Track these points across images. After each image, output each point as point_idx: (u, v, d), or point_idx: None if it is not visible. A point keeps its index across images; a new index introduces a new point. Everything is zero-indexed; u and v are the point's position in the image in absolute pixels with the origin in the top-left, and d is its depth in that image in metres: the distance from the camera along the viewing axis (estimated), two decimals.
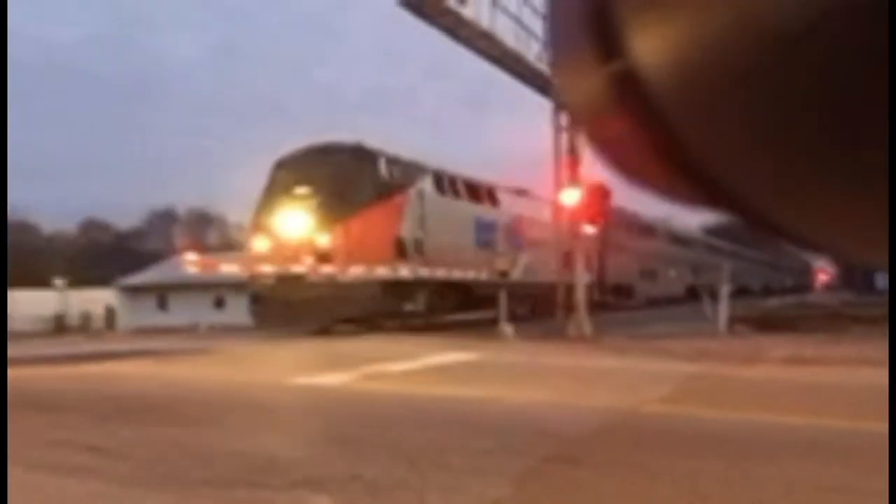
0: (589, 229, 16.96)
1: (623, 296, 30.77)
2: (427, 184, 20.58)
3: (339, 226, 17.41)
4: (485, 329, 17.28)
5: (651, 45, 0.54)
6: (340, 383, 8.62)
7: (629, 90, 0.56)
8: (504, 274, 20.07)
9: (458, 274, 20.83)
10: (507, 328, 15.88)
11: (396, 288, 18.29)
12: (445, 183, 21.68)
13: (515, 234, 24.31)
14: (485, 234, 22.64)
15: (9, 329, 24.62)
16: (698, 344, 12.33)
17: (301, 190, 18.35)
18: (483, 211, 23.03)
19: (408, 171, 19.99)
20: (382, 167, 19.10)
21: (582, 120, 0.65)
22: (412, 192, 19.75)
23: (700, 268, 39.92)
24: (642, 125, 0.57)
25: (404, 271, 18.53)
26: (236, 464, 4.74)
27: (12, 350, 15.34)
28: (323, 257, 17.13)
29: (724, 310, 15.40)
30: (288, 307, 16.99)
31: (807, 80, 0.47)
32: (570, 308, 16.37)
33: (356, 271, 17.23)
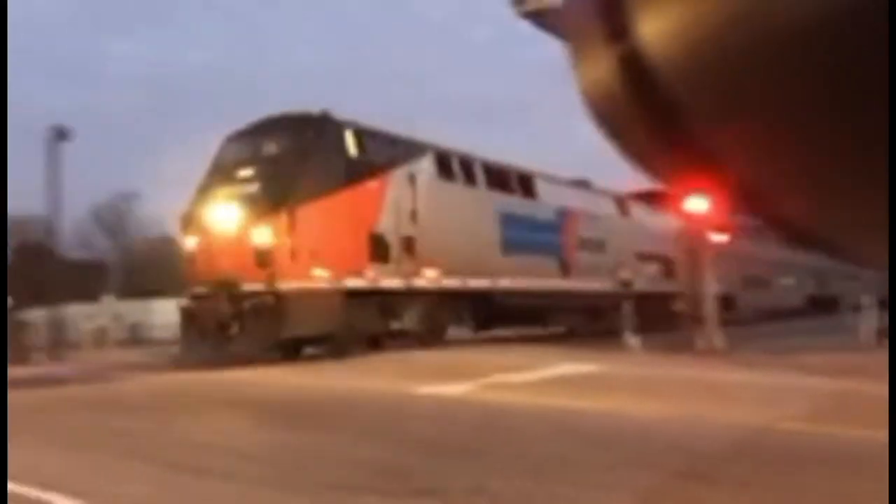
0: (719, 238, 16.33)
1: (721, 308, 26.51)
2: (424, 165, 16.09)
3: (285, 217, 13.03)
4: (607, 340, 16.87)
5: (657, 28, 0.54)
6: (463, 393, 8.67)
7: (635, 71, 0.57)
8: (627, 284, 18.85)
9: (483, 283, 16.68)
10: (632, 339, 15.50)
11: (373, 300, 14.34)
12: (454, 165, 17.03)
13: (563, 233, 19.96)
14: (515, 231, 17.97)
15: (149, 337, 26.25)
16: (839, 358, 11.61)
17: (243, 172, 14.13)
18: (513, 203, 18.28)
19: (392, 149, 15.58)
20: (349, 141, 14.56)
21: (590, 102, 0.65)
22: (398, 174, 15.32)
23: (826, 275, 35.00)
24: (646, 106, 0.57)
25: (384, 279, 14.49)
26: (364, 470, 4.86)
27: (155, 357, 16.29)
28: (262, 259, 12.82)
29: (868, 321, 14.45)
30: (220, 325, 12.83)
31: (813, 72, 0.47)
32: (697, 320, 15.79)
33: (312, 280, 13.15)
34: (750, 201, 0.59)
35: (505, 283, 17.24)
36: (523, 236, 18.14)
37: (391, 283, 14.57)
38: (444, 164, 16.74)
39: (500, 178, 18.29)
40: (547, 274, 18.89)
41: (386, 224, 14.80)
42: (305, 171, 13.82)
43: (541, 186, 19.47)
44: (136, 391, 9.54)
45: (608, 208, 22.22)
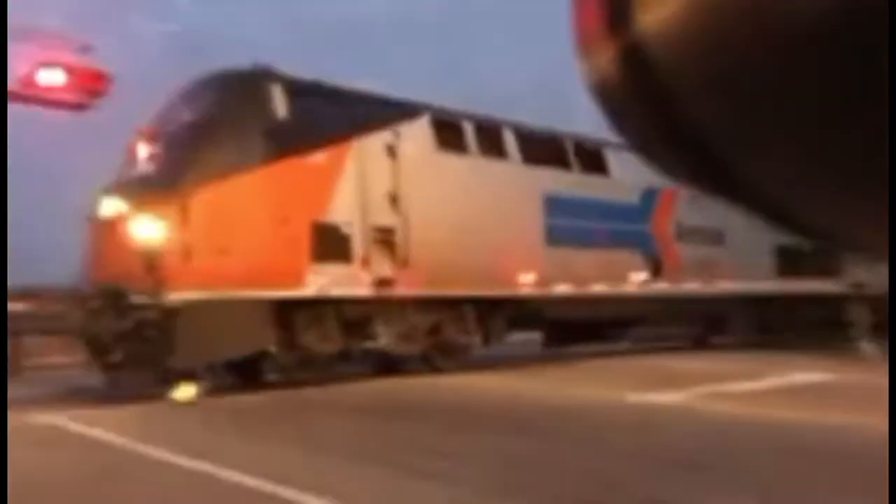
0: None
1: None
2: (414, 132, 11.98)
3: (177, 204, 9.69)
4: (837, 346, 15.44)
5: (656, 18, 0.54)
6: (677, 403, 8.36)
7: (634, 61, 0.56)
8: (860, 286, 16.88)
9: (510, 288, 12.54)
10: (870, 346, 14.12)
11: (328, 311, 10.78)
12: (467, 133, 12.74)
13: (652, 221, 15.41)
14: (568, 218, 13.58)
15: None
16: None
17: (146, 151, 10.94)
18: (567, 182, 13.92)
19: (355, 110, 11.49)
20: (279, 101, 10.72)
21: (595, 91, 0.64)
22: (366, 144, 11.32)
23: None
24: (645, 96, 0.57)
25: (340, 285, 10.68)
26: (579, 479, 4.82)
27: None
28: (147, 261, 9.48)
29: None
30: (103, 349, 9.67)
31: (814, 67, 0.46)
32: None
33: (219, 288, 9.56)
34: (746, 193, 0.58)
35: (549, 286, 13.09)
36: (582, 225, 13.86)
37: (353, 289, 10.89)
38: (449, 130, 12.48)
39: (548, 150, 13.91)
40: (623, 274, 14.50)
41: (343, 211, 10.94)
42: (209, 143, 10.36)
43: (615, 161, 14.54)
44: (356, 394, 10.09)
45: None
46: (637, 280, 14.72)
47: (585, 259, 13.65)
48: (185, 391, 10.05)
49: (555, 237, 13.37)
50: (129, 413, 8.25)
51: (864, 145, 0.47)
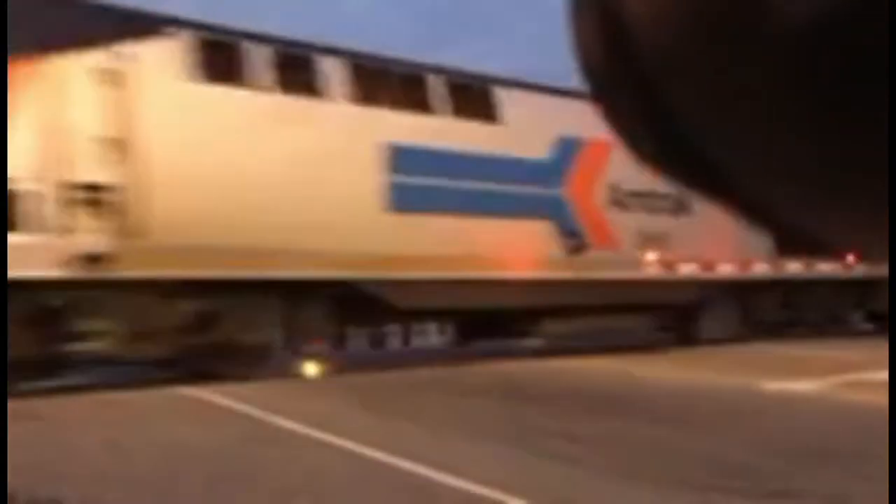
0: None
1: None
2: (154, 55, 8.70)
3: None
4: None
5: (645, 4, 0.52)
6: (814, 391, 8.02)
7: (621, 47, 0.54)
8: None
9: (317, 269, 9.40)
10: None
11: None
12: (254, 61, 9.45)
13: (570, 182, 11.69)
14: (426, 178, 10.39)
15: None
16: None
17: None
18: (424, 129, 10.45)
19: (41, 21, 8.16)
20: None
21: (582, 71, 0.62)
22: (59, 67, 8.16)
23: None
24: (628, 80, 0.55)
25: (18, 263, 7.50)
26: (709, 467, 4.72)
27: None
28: None
29: None
30: None
31: (807, 67, 0.44)
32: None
33: None
34: (732, 192, 0.56)
35: (391, 266, 9.88)
36: (449, 186, 10.54)
37: (36, 269, 7.76)
38: (222, 55, 9.28)
39: (396, 88, 10.55)
40: (519, 251, 11.03)
41: (17, 161, 7.78)
42: None
43: (510, 104, 11.18)
44: (469, 375, 10.16)
45: None
46: (541, 260, 11.28)
47: (455, 231, 10.45)
48: (312, 368, 10.48)
49: (403, 202, 10.18)
50: (264, 388, 8.65)
51: (861, 145, 0.45)
